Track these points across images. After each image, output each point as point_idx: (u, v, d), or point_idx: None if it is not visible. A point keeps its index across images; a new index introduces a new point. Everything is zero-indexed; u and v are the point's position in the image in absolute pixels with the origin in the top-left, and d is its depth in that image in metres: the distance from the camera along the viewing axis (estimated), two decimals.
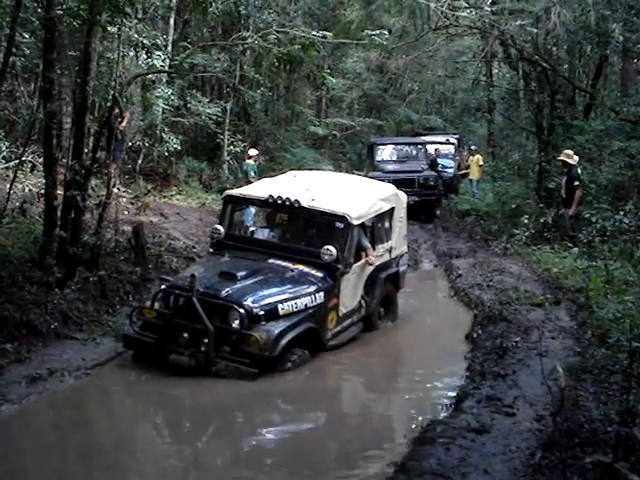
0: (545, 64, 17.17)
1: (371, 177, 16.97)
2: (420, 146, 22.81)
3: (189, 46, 17.85)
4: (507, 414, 6.30)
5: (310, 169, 16.86)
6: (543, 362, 6.40)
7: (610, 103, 17.48)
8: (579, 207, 13.38)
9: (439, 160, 23.06)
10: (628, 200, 13.39)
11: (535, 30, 16.81)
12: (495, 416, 6.25)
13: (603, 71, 19.87)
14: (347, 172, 21.92)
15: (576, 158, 13.66)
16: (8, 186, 9.83)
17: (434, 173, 21.39)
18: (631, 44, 18.01)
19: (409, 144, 23.47)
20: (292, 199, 9.32)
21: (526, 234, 14.29)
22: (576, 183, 13.34)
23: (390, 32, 23.48)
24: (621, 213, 11.50)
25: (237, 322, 8.01)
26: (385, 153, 22.49)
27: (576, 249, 12.33)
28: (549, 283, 11.50)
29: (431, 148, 23.63)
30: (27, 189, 12.60)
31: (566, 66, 19.89)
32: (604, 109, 18.21)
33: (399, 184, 16.13)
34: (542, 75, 17.85)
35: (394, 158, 22.29)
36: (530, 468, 5.15)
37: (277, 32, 14.14)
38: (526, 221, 14.52)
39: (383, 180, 16.12)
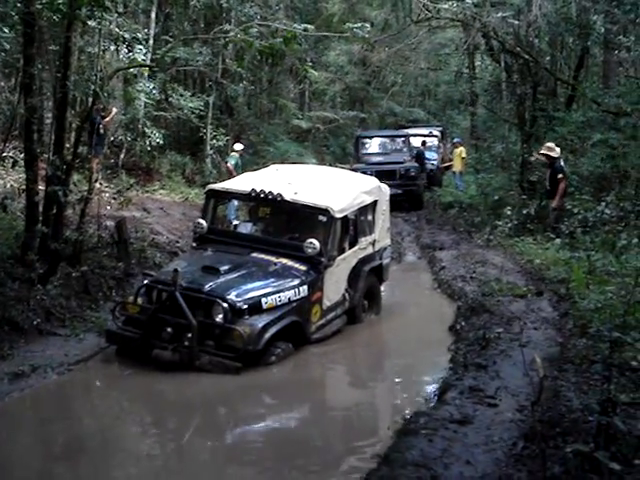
0: (527, 56, 17.22)
1: (354, 169, 17.04)
2: (404, 139, 23.20)
3: (171, 40, 17.77)
4: (489, 405, 6.33)
5: (293, 162, 16.86)
6: (525, 353, 6.45)
7: (592, 95, 17.53)
8: (563, 199, 13.43)
9: None
10: (610, 191, 13.49)
11: (517, 22, 16.83)
12: (478, 407, 6.28)
13: (585, 63, 19.94)
14: (331, 165, 21.93)
15: (558, 150, 13.69)
16: None
17: (415, 164, 21.75)
18: (612, 36, 18.07)
19: (393, 137, 23.88)
20: (275, 193, 9.32)
21: (509, 226, 14.39)
22: (560, 176, 13.36)
23: (372, 25, 23.53)
24: (603, 204, 11.60)
25: (220, 316, 8.02)
26: (370, 146, 22.91)
27: (559, 240, 12.41)
28: (531, 274, 11.55)
29: (416, 141, 23.76)
30: (8, 185, 12.54)
31: (548, 58, 19.93)
32: (586, 101, 18.27)
33: (381, 176, 16.21)
34: (524, 67, 17.89)
35: (378, 150, 22.68)
36: (512, 458, 5.18)
37: (259, 25, 14.06)
38: (509, 213, 14.63)
39: (365, 172, 16.18)
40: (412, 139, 23.65)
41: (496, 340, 8.23)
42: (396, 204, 18.13)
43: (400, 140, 23.18)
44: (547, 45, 19.68)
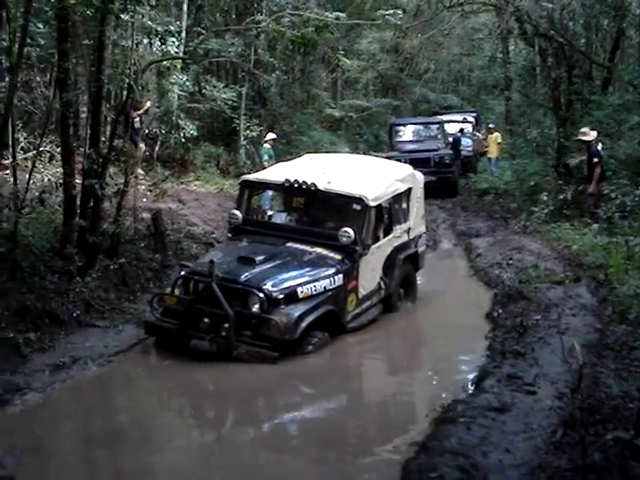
0: (561, 39, 17.03)
1: (388, 157, 16.97)
2: (438, 125, 23.00)
3: (203, 31, 17.84)
4: (528, 392, 6.30)
5: (327, 152, 16.84)
6: (563, 340, 6.40)
7: (628, 77, 17.27)
8: (601, 184, 13.27)
9: None
10: None
11: (550, 5, 16.60)
12: (516, 394, 6.26)
13: (620, 45, 19.63)
14: (364, 154, 21.87)
15: (593, 134, 13.52)
16: (27, 176, 9.88)
17: (450, 151, 21.58)
18: None
19: (427, 124, 23.71)
20: (308, 182, 9.32)
21: (545, 211, 14.27)
22: (595, 160, 13.21)
23: (404, 11, 23.37)
24: None
25: (257, 306, 8.05)
26: (404, 133, 22.77)
27: (596, 226, 12.27)
28: (569, 260, 11.44)
29: (451, 127, 23.62)
30: (46, 179, 12.69)
31: (583, 41, 19.69)
32: (622, 83, 18.00)
33: (415, 163, 16.13)
34: (559, 50, 17.70)
35: (413, 138, 22.49)
36: (551, 446, 5.16)
37: (291, 15, 14.04)
38: (545, 198, 14.50)
39: (400, 160, 16.12)
40: (447, 126, 23.48)
41: (534, 327, 8.18)
42: (431, 191, 18.13)
43: (434, 127, 22.96)
44: (582, 28, 19.43)
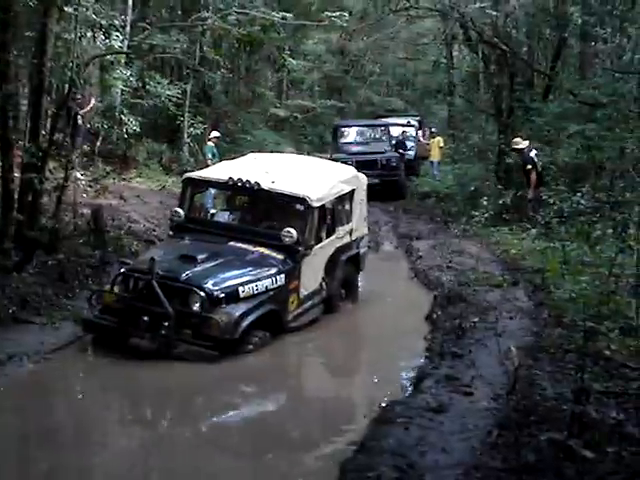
0: (504, 47, 17.30)
1: (335, 159, 17.00)
2: (384, 128, 23.00)
3: (148, 27, 17.62)
4: (465, 393, 6.39)
5: (271, 151, 16.83)
6: (500, 342, 6.51)
7: (568, 86, 17.65)
8: (538, 189, 13.66)
9: None
10: (585, 182, 13.61)
11: (494, 13, 16.89)
12: (453, 395, 6.34)
13: (562, 54, 20.03)
14: (309, 154, 21.89)
15: (525, 143, 14.34)
16: None
17: (396, 154, 21.59)
18: (589, 27, 18.19)
19: (373, 126, 23.67)
20: (252, 181, 9.31)
21: (485, 215, 14.44)
22: (528, 167, 13.75)
23: (351, 14, 23.47)
24: (578, 195, 11.69)
25: (197, 305, 8.01)
26: (349, 135, 22.65)
27: (534, 230, 12.52)
28: (507, 264, 11.65)
29: (394, 130, 23.76)
30: None
31: (525, 49, 20.05)
32: (562, 92, 18.38)
33: (362, 166, 16.18)
34: (501, 58, 17.97)
35: (358, 140, 22.41)
36: (487, 446, 5.24)
37: (237, 13, 13.99)
38: (485, 203, 14.70)
39: (346, 162, 16.16)
40: (390, 129, 23.60)
41: (472, 329, 8.30)
42: (378, 194, 18.27)
43: (379, 130, 22.94)
44: (524, 36, 19.80)
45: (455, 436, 5.48)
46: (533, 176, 13.89)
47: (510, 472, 4.67)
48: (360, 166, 18.40)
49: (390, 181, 20.56)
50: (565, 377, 6.36)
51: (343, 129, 22.88)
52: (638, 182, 10.84)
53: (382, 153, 21.09)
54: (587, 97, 16.32)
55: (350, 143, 22.15)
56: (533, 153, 14.26)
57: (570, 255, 10.25)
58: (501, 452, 5.08)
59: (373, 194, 18.75)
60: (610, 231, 10.67)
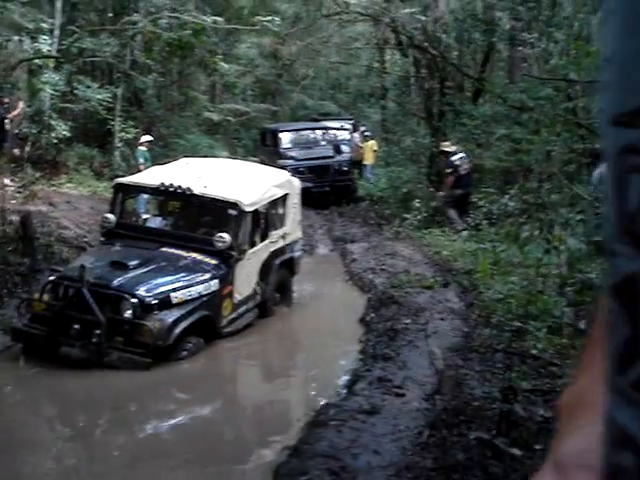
0: (434, 51, 17.54)
1: (283, 166, 16.88)
2: (325, 131, 22.38)
3: (77, 30, 17.38)
4: (397, 395, 6.47)
5: (205, 155, 16.74)
6: (431, 343, 6.61)
7: (497, 90, 17.98)
8: (453, 191, 14.53)
9: None
10: (514, 184, 13.91)
11: (424, 18, 17.13)
12: (386, 397, 6.42)
13: (491, 58, 20.41)
14: (243, 158, 21.80)
15: (453, 148, 15.01)
16: None
17: (347, 159, 21.10)
18: (517, 32, 18.56)
19: (314, 129, 22.89)
20: (184, 187, 9.26)
21: (418, 218, 14.69)
22: (447, 171, 14.64)
23: (283, 18, 23.49)
24: (507, 197, 11.94)
25: (129, 312, 7.94)
26: (290, 140, 21.68)
27: (465, 232, 12.74)
28: (439, 266, 11.80)
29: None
30: None
31: (455, 53, 20.33)
32: (491, 96, 18.73)
33: (313, 172, 16.23)
34: (432, 62, 18.22)
35: (301, 145, 21.53)
36: (418, 446, 5.32)
37: (168, 17, 13.91)
38: (418, 205, 14.95)
39: (297, 169, 16.16)
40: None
41: (404, 331, 8.40)
42: (329, 200, 18.40)
43: (321, 133, 22.27)
44: (454, 41, 20.07)
45: (387, 437, 5.54)
46: (449, 179, 14.64)
47: (440, 471, 4.75)
48: (312, 172, 18.30)
49: (342, 186, 20.09)
50: (494, 376, 6.49)
51: (284, 134, 21.67)
52: (563, 184, 11.10)
53: (332, 158, 20.47)
54: (515, 101, 16.65)
55: (292, 148, 21.08)
56: (457, 157, 14.76)
57: (499, 256, 10.45)
58: (432, 452, 5.17)
59: (326, 200, 18.86)
60: (537, 232, 10.93)
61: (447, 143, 15.48)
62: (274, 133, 21.91)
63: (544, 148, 13.64)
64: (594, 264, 8.48)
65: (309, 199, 17.81)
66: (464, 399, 5.95)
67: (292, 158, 19.96)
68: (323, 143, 21.68)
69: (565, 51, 15.60)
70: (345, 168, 20.51)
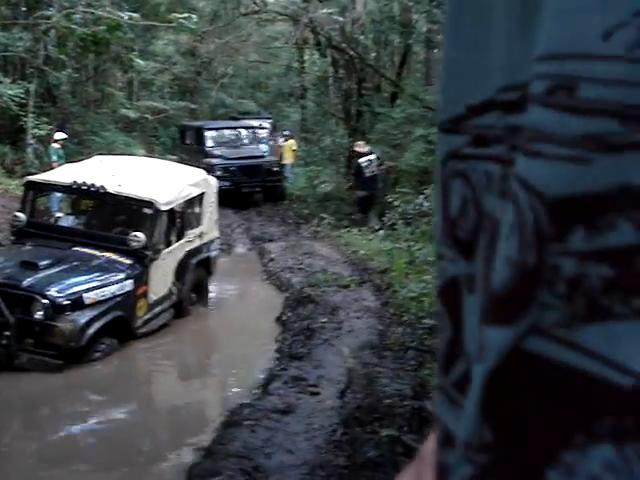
0: (352, 52, 17.71)
1: (212, 165, 16.71)
2: (252, 130, 21.96)
3: None
4: (312, 393, 6.51)
5: (121, 153, 16.45)
6: (345, 342, 6.67)
7: (413, 91, 18.25)
8: (357, 192, 15.27)
9: None
10: (429, 185, 14.15)
11: (342, 19, 17.27)
12: (300, 396, 6.45)
13: (407, 60, 20.71)
14: (161, 157, 21.53)
15: (366, 149, 15.50)
16: None
17: (276, 158, 20.75)
18: (433, 34, 18.88)
19: (239, 128, 22.34)
20: (97, 185, 9.10)
21: (335, 217, 14.82)
22: (352, 172, 15.39)
23: (201, 16, 23.29)
24: (421, 197, 12.13)
25: (40, 313, 7.76)
26: (216, 138, 20.89)
27: (382, 232, 12.90)
28: (356, 265, 11.91)
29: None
30: None
31: (373, 54, 20.57)
32: (408, 97, 19.00)
33: (244, 172, 16.10)
34: (350, 63, 18.40)
35: (227, 143, 20.78)
36: (331, 444, 5.37)
37: (83, 12, 13.65)
38: (335, 205, 15.08)
39: (227, 168, 16.01)
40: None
41: (320, 330, 8.45)
42: (253, 200, 18.33)
43: (248, 131, 21.74)
44: (372, 42, 20.30)
45: (301, 436, 5.57)
46: (354, 181, 15.47)
47: (352, 469, 4.81)
48: (242, 173, 17.99)
49: (273, 187, 19.54)
50: (406, 374, 6.59)
51: (210, 132, 20.93)
52: None
53: (262, 157, 19.97)
54: (431, 102, 16.92)
55: (217, 147, 20.32)
56: (365, 159, 15.16)
57: (415, 255, 10.61)
58: (345, 450, 5.23)
59: (250, 200, 18.61)
60: None
61: (361, 143, 15.73)
62: (198, 131, 21.14)
63: None
64: None
65: (238, 199, 17.85)
66: (377, 397, 6.03)
67: (220, 157, 19.28)
68: (247, 142, 21.19)
69: None
70: (276, 168, 19.92)
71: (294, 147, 24.29)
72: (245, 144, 20.99)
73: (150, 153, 22.98)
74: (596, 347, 0.38)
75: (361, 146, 15.57)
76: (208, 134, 20.85)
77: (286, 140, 24.59)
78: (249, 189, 18.80)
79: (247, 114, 31.46)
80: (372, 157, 15.38)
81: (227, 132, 21.55)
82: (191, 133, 21.76)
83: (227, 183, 16.85)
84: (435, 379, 0.54)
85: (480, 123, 0.49)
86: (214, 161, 18.43)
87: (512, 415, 0.41)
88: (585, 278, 0.38)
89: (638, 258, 0.37)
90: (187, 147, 21.33)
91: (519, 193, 0.40)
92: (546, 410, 0.39)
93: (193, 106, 30.36)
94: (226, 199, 16.97)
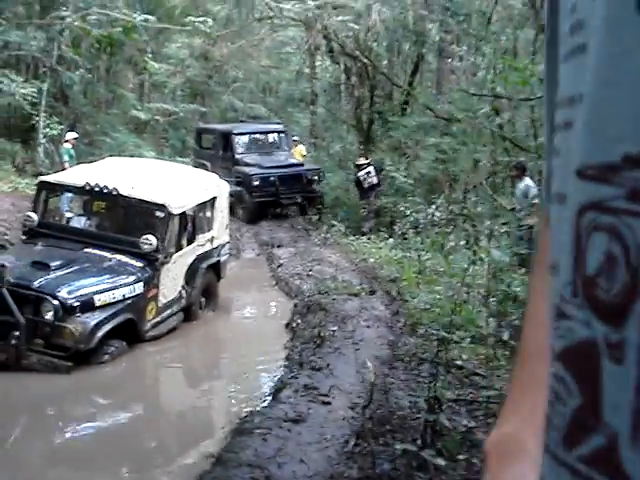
0: (365, 59, 17.70)
1: (242, 174, 16.41)
2: (279, 134, 19.56)
3: (3, 22, 16.91)
4: (323, 403, 6.45)
5: (131, 155, 16.49)
6: (358, 351, 6.62)
7: (424, 100, 18.24)
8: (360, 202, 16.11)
9: None
10: (440, 194, 14.13)
11: (356, 26, 17.27)
12: (311, 405, 6.39)
13: (420, 69, 20.72)
14: (170, 159, 21.50)
15: (366, 162, 16.37)
16: None
17: (316, 166, 18.84)
18: (446, 44, 18.89)
19: (268, 132, 19.71)
20: (110, 187, 9.08)
21: (345, 224, 14.79)
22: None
23: (215, 20, 23.32)
24: (433, 207, 12.10)
25: (50, 314, 7.74)
26: (247, 144, 18.61)
27: (392, 240, 12.87)
28: (365, 273, 11.86)
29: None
30: None
31: (385, 62, 20.56)
32: (419, 106, 18.99)
33: (284, 182, 15.97)
34: (362, 70, 18.39)
35: (258, 150, 18.47)
36: (343, 456, 5.31)
37: (98, 13, 13.65)
38: (345, 212, 15.06)
39: (267, 178, 15.79)
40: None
41: (330, 338, 8.40)
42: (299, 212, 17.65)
43: (275, 136, 19.33)
44: (385, 50, 20.30)
45: (313, 446, 5.52)
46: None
47: None
48: (282, 183, 16.83)
49: (313, 197, 17.68)
50: (419, 386, 6.53)
51: (237, 137, 18.32)
52: (488, 196, 11.32)
53: (301, 165, 17.96)
54: (442, 112, 16.91)
55: (247, 153, 18.06)
56: (363, 171, 16.05)
57: (425, 265, 10.57)
58: (357, 461, 5.17)
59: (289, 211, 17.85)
60: (462, 242, 11.11)
61: (361, 158, 16.77)
62: (225, 135, 18.46)
63: (470, 157, 13.92)
64: (516, 275, 8.65)
65: (275, 211, 17.49)
66: (390, 408, 5.98)
67: (255, 165, 17.19)
68: (276, 148, 18.95)
69: (492, 65, 15.92)
70: (315, 177, 17.83)
71: (304, 152, 24.26)
72: (275, 151, 18.81)
73: (160, 155, 22.97)
74: None
75: (360, 160, 16.61)
76: (238, 139, 18.31)
77: (296, 145, 24.58)
78: (289, 200, 17.35)
79: (257, 118, 31.41)
80: (370, 169, 16.05)
81: (255, 137, 19.05)
82: (214, 137, 19.20)
83: (265, 194, 16.46)
84: (556, 450, 0.48)
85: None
86: (249, 170, 16.85)
87: None
88: None
89: None
90: (208, 153, 18.66)
91: None
92: None
93: (203, 109, 30.40)
94: (262, 211, 16.84)
